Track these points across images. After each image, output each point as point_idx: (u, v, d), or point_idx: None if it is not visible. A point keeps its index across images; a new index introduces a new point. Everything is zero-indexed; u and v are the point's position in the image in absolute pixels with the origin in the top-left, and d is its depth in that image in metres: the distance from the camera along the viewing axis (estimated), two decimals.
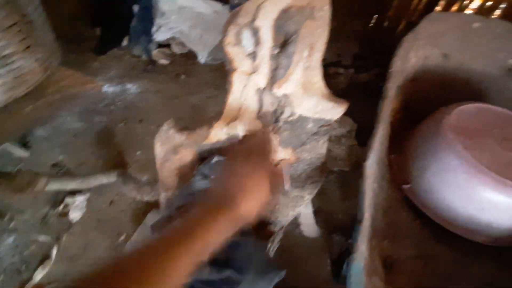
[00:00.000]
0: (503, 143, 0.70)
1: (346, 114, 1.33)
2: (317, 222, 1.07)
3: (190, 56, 1.80)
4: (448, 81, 0.99)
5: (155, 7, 1.70)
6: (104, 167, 1.18)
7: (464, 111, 0.77)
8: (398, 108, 0.94)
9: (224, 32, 0.48)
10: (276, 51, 0.51)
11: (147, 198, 0.84)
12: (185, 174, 0.69)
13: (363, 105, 1.54)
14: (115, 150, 1.28)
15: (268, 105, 0.54)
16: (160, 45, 1.81)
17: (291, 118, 0.56)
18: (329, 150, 0.72)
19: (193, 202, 0.37)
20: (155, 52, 1.79)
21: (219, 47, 1.69)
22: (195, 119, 1.45)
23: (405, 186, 0.80)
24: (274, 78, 0.52)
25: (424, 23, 0.87)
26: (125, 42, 1.86)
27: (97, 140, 1.33)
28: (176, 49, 1.83)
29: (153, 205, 1.02)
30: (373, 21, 1.59)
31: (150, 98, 1.57)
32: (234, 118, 0.55)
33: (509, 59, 0.93)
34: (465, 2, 1.30)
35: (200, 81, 1.69)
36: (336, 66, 1.73)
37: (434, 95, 0.98)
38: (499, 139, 0.71)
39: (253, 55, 0.50)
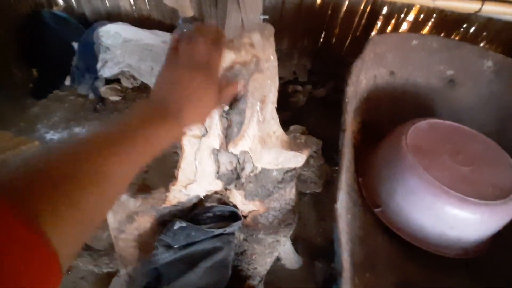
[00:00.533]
0: (457, 157, 0.73)
1: (309, 133, 1.32)
2: (297, 250, 1.03)
3: (143, 89, 1.71)
4: (398, 95, 1.03)
5: (97, 42, 1.59)
6: None
7: (418, 129, 0.80)
8: (358, 129, 0.96)
9: None
10: (226, 109, 0.47)
11: (106, 269, 0.74)
12: (146, 244, 0.61)
13: (324, 119, 1.58)
14: None
15: (227, 164, 0.50)
16: (109, 81, 1.70)
17: (253, 173, 0.52)
18: (299, 174, 0.69)
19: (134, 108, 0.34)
20: (103, 89, 1.67)
21: None
22: (158, 168, 1.35)
23: (377, 210, 0.80)
24: (228, 137, 0.48)
25: (369, 46, 0.90)
26: (67, 82, 1.71)
27: None
28: (127, 83, 1.73)
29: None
30: (321, 38, 1.64)
31: None
32: (191, 182, 0.50)
33: (447, 70, 1.00)
34: (402, 16, 1.40)
35: None
36: (293, 83, 1.75)
37: (388, 110, 1.02)
38: (452, 154, 0.74)
39: None
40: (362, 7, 1.43)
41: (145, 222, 0.60)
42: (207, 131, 0.46)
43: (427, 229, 0.71)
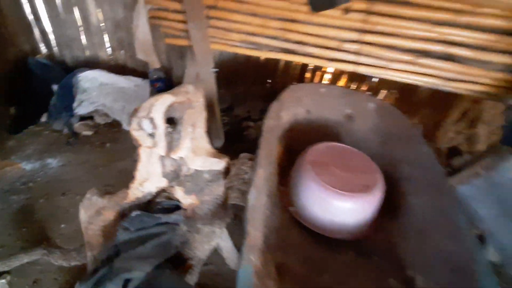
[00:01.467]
0: (341, 167, 1.05)
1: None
2: (239, 252, 1.24)
3: (115, 124, 1.95)
4: (314, 127, 1.38)
5: (75, 85, 1.85)
6: (26, 246, 1.16)
7: (317, 149, 1.12)
8: (282, 152, 1.27)
9: (130, 122, 0.71)
10: (170, 129, 0.75)
11: (74, 263, 0.91)
12: (109, 232, 0.82)
13: None
14: (36, 227, 1.28)
15: (169, 167, 0.76)
16: (83, 118, 1.92)
17: (189, 173, 0.79)
18: (242, 191, 0.95)
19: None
20: (77, 125, 1.88)
21: None
22: (123, 183, 1.54)
23: (291, 209, 1.07)
24: (171, 148, 0.75)
25: (287, 92, 1.26)
26: (43, 119, 1.91)
27: (15, 221, 1.30)
28: (100, 120, 1.96)
29: (80, 277, 1.05)
30: (268, 85, 2.05)
31: (74, 170, 1.62)
32: (145, 180, 0.75)
33: (346, 109, 1.38)
34: (323, 69, 1.85)
35: (126, 146, 1.82)
36: (247, 120, 2.10)
37: (306, 138, 1.35)
38: (338, 165, 1.06)
39: (152, 135, 0.73)
40: (294, 63, 1.87)
41: (110, 215, 0.82)
42: (156, 144, 0.73)
43: (322, 218, 0.99)
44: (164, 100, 0.71)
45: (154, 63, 1.47)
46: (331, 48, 1.19)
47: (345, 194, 0.95)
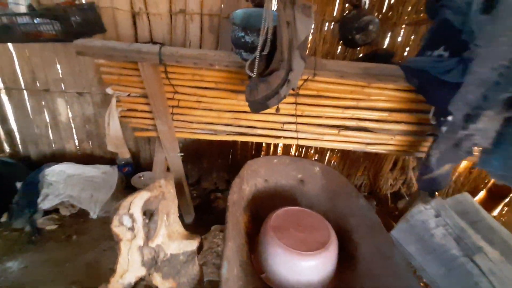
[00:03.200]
0: (298, 228, 1.22)
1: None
2: None
3: (81, 214, 1.94)
4: (273, 193, 1.58)
5: (41, 181, 1.89)
6: None
7: (278, 215, 1.30)
8: (249, 221, 1.42)
9: (111, 220, 0.83)
10: (147, 221, 0.88)
11: None
12: None
13: None
14: None
15: (148, 255, 0.87)
16: (47, 212, 1.89)
17: (165, 258, 0.89)
18: (217, 265, 1.04)
19: None
20: (40, 220, 1.85)
21: (111, 201, 1.95)
22: (91, 278, 1.50)
23: (262, 276, 1.18)
24: (148, 237, 0.87)
25: (246, 166, 1.48)
26: (3, 219, 1.84)
27: None
28: (65, 211, 1.95)
29: None
30: (230, 158, 2.28)
31: (37, 271, 1.55)
32: (125, 271, 0.84)
33: (298, 174, 1.63)
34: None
35: (94, 236, 1.81)
36: (215, 191, 2.24)
37: (268, 205, 1.53)
38: (296, 227, 1.23)
39: (132, 228, 0.85)
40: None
41: None
42: (135, 236, 0.84)
43: (290, 280, 1.11)
44: (141, 196, 0.86)
45: (125, 154, 1.63)
46: (275, 128, 1.48)
47: (305, 254, 1.11)
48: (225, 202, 2.22)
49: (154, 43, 1.72)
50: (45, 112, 2.05)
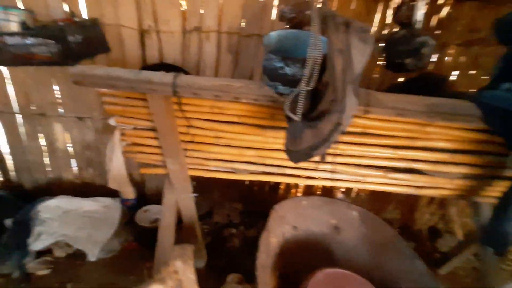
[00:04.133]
0: None
1: (246, 278, 1.45)
2: None
3: (78, 255, 1.70)
4: (303, 243, 1.33)
5: (33, 217, 1.66)
6: None
7: (316, 281, 1.05)
8: (277, 283, 1.17)
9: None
10: None
11: None
12: None
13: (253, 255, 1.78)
14: None
15: None
16: (39, 254, 1.66)
17: None
18: None
19: None
20: (31, 265, 1.61)
21: (112, 240, 1.71)
22: None
23: None
24: None
25: (272, 215, 1.23)
26: None
27: None
28: (60, 252, 1.71)
29: None
30: (246, 188, 2.04)
31: None
32: None
33: (331, 220, 1.38)
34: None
35: (92, 284, 1.56)
36: (228, 226, 2.00)
37: (297, 257, 1.28)
38: None
39: None
40: None
41: None
42: None
43: None
44: None
45: (128, 194, 1.39)
46: (308, 168, 1.24)
47: None
48: (240, 239, 1.98)
49: (164, 64, 1.51)
50: (41, 137, 1.83)
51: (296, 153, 0.83)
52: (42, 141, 1.85)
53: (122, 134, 1.26)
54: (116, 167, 1.32)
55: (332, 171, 1.24)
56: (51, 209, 1.70)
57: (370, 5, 1.39)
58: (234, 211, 2.10)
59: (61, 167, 1.94)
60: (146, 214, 1.86)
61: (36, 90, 1.66)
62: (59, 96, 1.70)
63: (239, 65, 1.53)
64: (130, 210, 1.88)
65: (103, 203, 1.83)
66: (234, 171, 1.31)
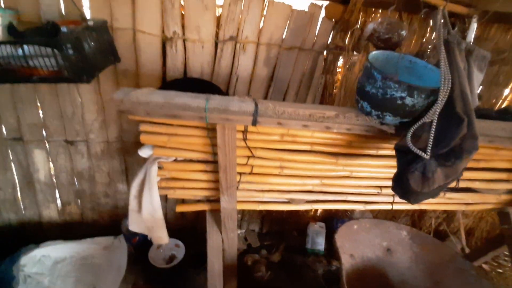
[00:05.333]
0: None
1: None
2: None
3: None
4: (361, 272, 1.26)
5: (16, 275, 1.26)
6: None
7: None
8: None
9: None
10: None
11: None
12: None
13: (288, 283, 1.65)
14: None
15: None
16: None
17: None
18: None
19: None
20: None
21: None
22: None
23: None
24: None
25: (339, 250, 1.13)
26: None
27: None
28: None
29: None
30: None
31: None
32: None
33: (383, 242, 1.34)
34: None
35: None
36: (248, 252, 1.82)
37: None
38: None
39: None
40: None
41: None
42: None
43: None
44: None
45: (163, 239, 1.14)
46: (370, 194, 1.17)
47: None
48: (267, 267, 1.82)
49: (194, 80, 1.29)
50: (13, 168, 1.42)
51: (423, 195, 0.74)
52: (14, 173, 1.43)
53: (160, 168, 1.02)
54: (149, 208, 1.07)
55: (392, 195, 1.20)
56: (37, 261, 1.33)
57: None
58: (251, 234, 1.93)
59: (40, 204, 1.54)
60: (159, 252, 1.59)
61: (11, 109, 1.27)
62: (43, 116, 1.33)
63: (275, 80, 1.39)
64: (137, 248, 1.58)
65: (103, 244, 1.50)
66: (288, 201, 1.17)
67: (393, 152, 1.05)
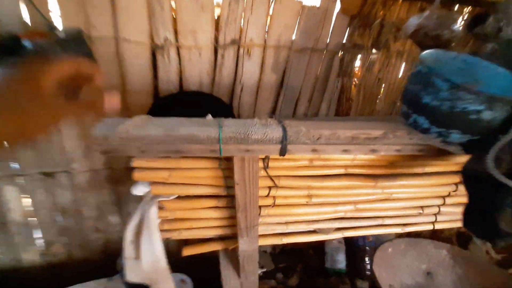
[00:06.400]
0: None
1: None
2: None
3: None
4: None
5: None
6: None
7: None
8: None
9: None
10: None
11: None
12: None
13: None
14: None
15: None
16: None
17: None
18: None
19: None
20: None
21: None
22: None
23: None
24: None
25: (381, 281, 0.96)
26: None
27: None
28: None
29: None
30: None
31: None
32: None
33: (421, 265, 1.17)
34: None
35: None
36: (264, 279, 1.64)
37: None
38: None
39: None
40: None
41: None
42: None
43: None
44: None
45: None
46: (410, 215, 1.00)
47: None
48: None
49: (186, 93, 1.09)
50: None
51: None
52: None
53: (161, 208, 0.83)
54: (151, 258, 0.87)
55: (435, 214, 1.03)
56: None
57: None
58: (264, 256, 1.74)
59: (17, 246, 1.31)
60: None
61: None
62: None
63: (286, 87, 1.20)
64: None
65: (101, 286, 1.29)
66: (314, 231, 0.99)
67: (441, 169, 0.88)
